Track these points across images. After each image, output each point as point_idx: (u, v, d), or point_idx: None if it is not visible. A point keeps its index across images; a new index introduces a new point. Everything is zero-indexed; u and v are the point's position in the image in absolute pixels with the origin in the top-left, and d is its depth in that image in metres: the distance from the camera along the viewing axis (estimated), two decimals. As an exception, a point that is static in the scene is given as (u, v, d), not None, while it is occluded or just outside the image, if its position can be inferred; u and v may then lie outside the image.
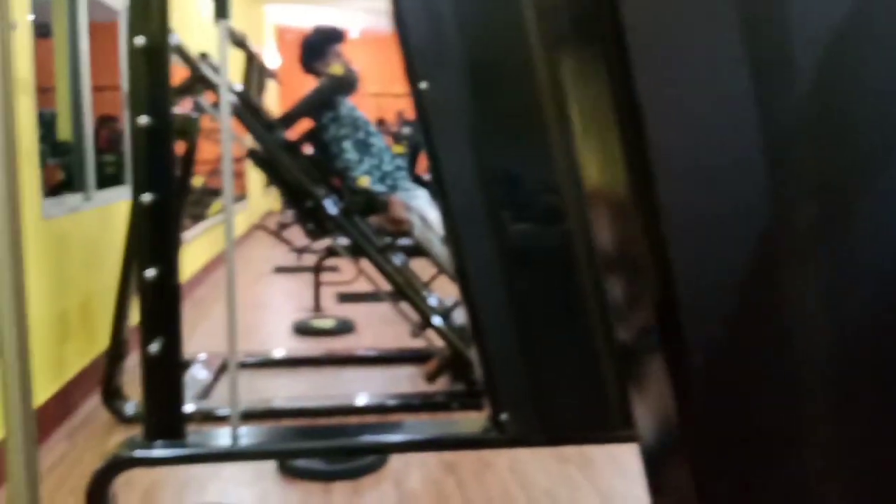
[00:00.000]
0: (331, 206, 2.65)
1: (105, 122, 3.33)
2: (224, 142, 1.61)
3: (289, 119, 2.82)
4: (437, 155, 1.59)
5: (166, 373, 1.58)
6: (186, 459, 1.61)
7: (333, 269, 5.99)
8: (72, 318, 2.68)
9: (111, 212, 3.14)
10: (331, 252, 4.40)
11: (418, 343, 3.41)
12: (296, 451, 1.62)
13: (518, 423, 1.66)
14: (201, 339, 3.55)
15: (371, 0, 10.50)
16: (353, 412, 2.65)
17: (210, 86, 2.55)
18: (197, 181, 4.26)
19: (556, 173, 1.60)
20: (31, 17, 2.42)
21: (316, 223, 2.67)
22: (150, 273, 1.48)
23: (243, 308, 4.57)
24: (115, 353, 2.55)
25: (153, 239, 1.49)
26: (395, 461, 2.26)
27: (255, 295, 5.07)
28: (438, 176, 1.59)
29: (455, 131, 1.59)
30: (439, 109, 1.57)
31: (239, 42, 2.62)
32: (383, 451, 1.81)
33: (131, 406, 2.57)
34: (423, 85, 1.56)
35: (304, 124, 2.92)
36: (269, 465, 2.20)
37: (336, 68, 2.81)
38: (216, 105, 2.65)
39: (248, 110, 2.58)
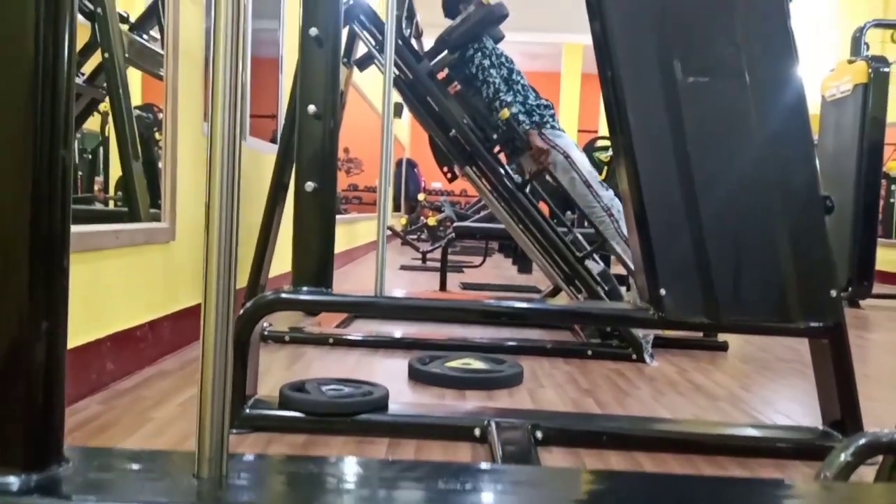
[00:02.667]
0: (474, 140, 2.62)
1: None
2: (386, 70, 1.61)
3: (438, 48, 2.84)
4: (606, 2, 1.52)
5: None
6: (329, 305, 1.59)
7: (458, 268, 6.00)
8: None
9: (258, 157, 3.28)
10: (459, 234, 4.40)
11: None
12: (436, 309, 1.55)
13: (678, 300, 1.53)
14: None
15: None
16: (484, 350, 2.56)
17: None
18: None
19: (735, 25, 1.50)
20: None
21: (458, 154, 2.64)
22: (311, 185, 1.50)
23: (365, 284, 4.63)
24: (255, 285, 2.62)
25: (313, 227, 1.53)
26: (529, 381, 2.15)
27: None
28: (603, 21, 1.52)
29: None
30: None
31: None
32: (526, 319, 1.71)
33: (267, 326, 2.60)
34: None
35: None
36: (403, 372, 2.15)
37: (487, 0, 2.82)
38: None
39: (399, 40, 2.62)
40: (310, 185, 1.59)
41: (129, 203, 2.18)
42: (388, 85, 1.68)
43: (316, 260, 1.58)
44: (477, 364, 2.19)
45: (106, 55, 2.23)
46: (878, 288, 4.82)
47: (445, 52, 2.81)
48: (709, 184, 1.51)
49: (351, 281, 4.93)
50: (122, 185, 2.22)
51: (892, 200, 7.10)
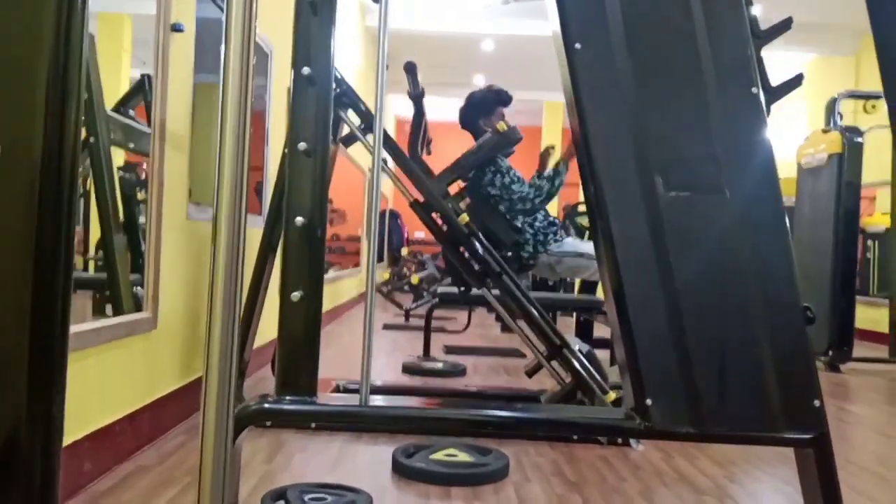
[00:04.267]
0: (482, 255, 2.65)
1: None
2: (374, 170, 1.64)
3: (453, 172, 2.91)
4: (587, 119, 1.56)
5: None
6: (315, 417, 1.57)
7: (441, 328, 5.98)
8: (203, 320, 2.75)
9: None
10: (443, 299, 4.39)
11: (532, 384, 3.29)
12: (424, 419, 1.54)
13: (664, 410, 1.53)
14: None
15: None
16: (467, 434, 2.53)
17: (355, 109, 2.67)
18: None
19: (714, 138, 1.53)
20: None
21: (469, 272, 2.66)
22: (296, 295, 1.50)
23: (354, 353, 4.58)
24: (239, 367, 2.59)
25: (301, 262, 1.53)
26: (515, 472, 2.13)
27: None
28: (586, 138, 1.55)
29: (607, 93, 1.55)
30: (592, 70, 1.55)
31: (417, 96, 2.75)
32: (513, 430, 1.70)
33: (250, 408, 2.57)
34: (577, 45, 1.55)
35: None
36: (386, 464, 2.12)
37: (501, 125, 2.90)
38: (362, 130, 2.76)
39: (414, 161, 2.68)
40: (299, 220, 1.57)
41: (112, 290, 2.16)
42: (376, 181, 1.70)
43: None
44: (462, 456, 2.17)
45: (91, 139, 2.23)
46: (858, 348, 4.86)
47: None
48: (692, 296, 1.53)
49: (336, 347, 4.89)
50: (108, 281, 2.18)
51: (868, 256, 7.20)
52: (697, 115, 1.54)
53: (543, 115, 11.69)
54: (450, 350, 4.80)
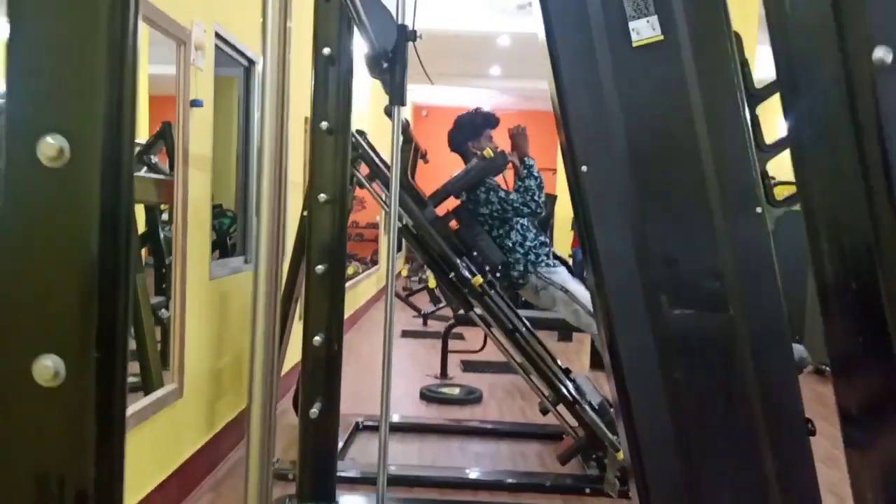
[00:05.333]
0: (469, 277, 2.70)
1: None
2: (391, 221, 1.70)
3: (441, 196, 2.95)
4: (594, 237, 1.60)
5: (323, 436, 1.64)
6: (334, 524, 1.65)
7: (460, 336, 6.06)
8: (225, 372, 2.85)
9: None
10: (459, 321, 4.47)
11: (547, 419, 3.36)
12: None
13: (669, 520, 1.59)
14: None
15: (503, 81, 10.95)
16: (485, 487, 2.62)
17: (368, 162, 2.72)
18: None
19: (718, 258, 1.57)
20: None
21: (456, 294, 2.72)
22: (317, 339, 1.56)
23: (372, 371, 4.68)
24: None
25: (322, 307, 1.58)
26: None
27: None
28: (594, 258, 1.60)
29: (613, 214, 1.59)
30: (598, 192, 1.59)
31: (403, 128, 2.80)
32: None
33: (274, 462, 2.67)
34: (584, 168, 1.58)
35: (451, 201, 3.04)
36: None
37: (488, 151, 2.92)
38: (369, 178, 2.82)
39: (403, 188, 2.72)
40: (320, 269, 1.65)
41: (143, 369, 2.24)
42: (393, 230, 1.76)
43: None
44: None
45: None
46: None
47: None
48: (696, 412, 1.58)
49: (355, 362, 4.98)
50: (138, 355, 2.26)
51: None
52: (702, 236, 1.58)
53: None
54: (467, 367, 4.88)
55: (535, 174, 3.01)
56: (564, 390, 2.66)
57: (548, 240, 3.08)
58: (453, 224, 2.96)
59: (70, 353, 0.50)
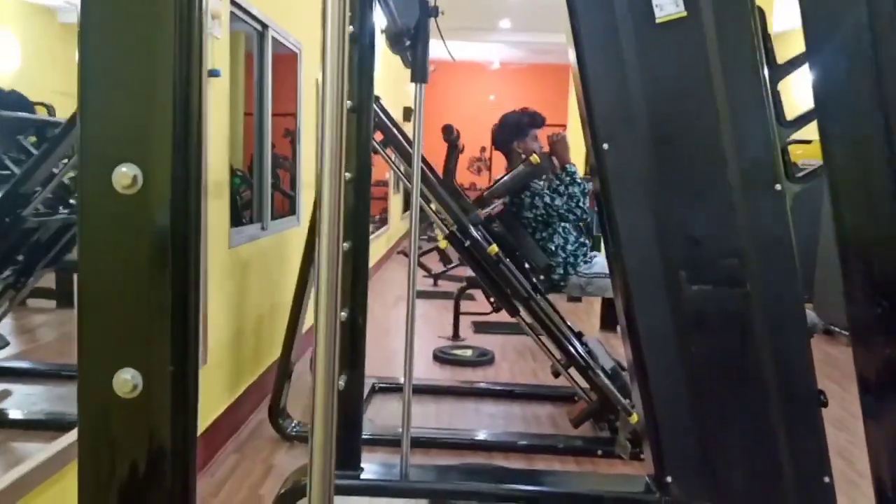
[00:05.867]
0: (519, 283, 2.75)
1: (278, 161, 3.61)
2: (413, 197, 1.72)
3: (487, 200, 2.98)
4: (615, 213, 1.62)
5: (349, 405, 1.69)
6: (362, 490, 1.72)
7: (470, 297, 6.11)
8: (245, 338, 2.91)
9: (283, 238, 3.40)
10: (470, 283, 4.51)
11: (559, 381, 3.43)
12: (460, 492, 1.68)
13: (683, 487, 1.65)
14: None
15: (513, 34, 10.78)
16: (499, 448, 2.70)
17: (383, 129, 2.72)
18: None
19: (737, 234, 1.59)
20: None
21: (501, 297, 2.77)
22: (343, 314, 1.60)
23: (385, 332, 4.76)
24: (283, 376, 2.74)
25: (347, 283, 1.62)
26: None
27: (397, 319, 5.25)
28: (615, 235, 1.62)
29: (634, 190, 1.61)
30: (620, 170, 1.61)
31: (448, 133, 2.84)
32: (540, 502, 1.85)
33: (294, 425, 2.75)
34: (605, 146, 1.60)
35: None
36: None
37: (535, 157, 2.93)
38: (382, 143, 2.83)
39: (448, 192, 2.74)
40: (345, 246, 1.69)
41: None
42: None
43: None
44: None
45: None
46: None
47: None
48: (712, 383, 1.62)
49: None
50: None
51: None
52: (721, 212, 1.60)
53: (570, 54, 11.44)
54: (478, 328, 4.95)
55: (578, 181, 3.03)
56: (577, 354, 2.71)
57: (587, 241, 3.14)
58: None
59: (147, 367, 0.54)
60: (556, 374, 3.26)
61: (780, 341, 1.62)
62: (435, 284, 6.78)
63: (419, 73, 1.58)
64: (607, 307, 4.46)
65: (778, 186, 1.59)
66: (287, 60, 3.56)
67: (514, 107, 3.32)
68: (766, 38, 1.63)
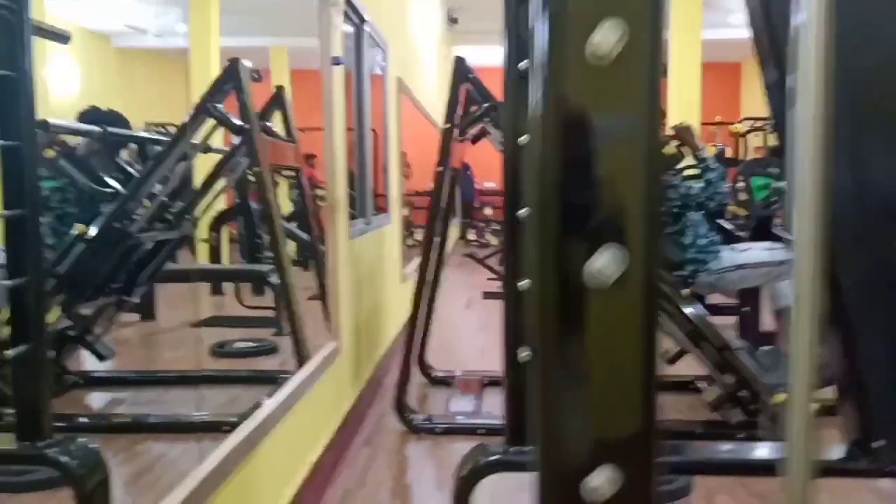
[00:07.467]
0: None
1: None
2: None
3: None
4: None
5: (524, 381, 1.63)
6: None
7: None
8: (363, 327, 2.87)
9: (381, 234, 3.37)
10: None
11: (671, 370, 3.32)
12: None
13: (893, 452, 1.54)
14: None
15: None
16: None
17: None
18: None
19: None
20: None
21: None
22: (523, 284, 1.54)
23: (468, 332, 4.70)
24: (407, 371, 2.71)
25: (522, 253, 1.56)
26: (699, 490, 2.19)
27: (477, 318, 5.19)
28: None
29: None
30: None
31: None
32: (725, 471, 1.75)
33: (419, 418, 2.70)
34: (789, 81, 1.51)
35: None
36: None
37: (669, 149, 2.85)
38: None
39: None
40: (523, 213, 1.60)
41: (296, 340, 2.21)
42: None
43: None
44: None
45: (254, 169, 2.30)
46: None
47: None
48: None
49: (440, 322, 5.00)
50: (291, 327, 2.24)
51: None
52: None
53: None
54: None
55: (713, 166, 2.91)
56: (714, 341, 2.61)
57: (717, 237, 2.97)
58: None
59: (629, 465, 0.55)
60: (672, 361, 3.16)
61: None
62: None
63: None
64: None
65: None
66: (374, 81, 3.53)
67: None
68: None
